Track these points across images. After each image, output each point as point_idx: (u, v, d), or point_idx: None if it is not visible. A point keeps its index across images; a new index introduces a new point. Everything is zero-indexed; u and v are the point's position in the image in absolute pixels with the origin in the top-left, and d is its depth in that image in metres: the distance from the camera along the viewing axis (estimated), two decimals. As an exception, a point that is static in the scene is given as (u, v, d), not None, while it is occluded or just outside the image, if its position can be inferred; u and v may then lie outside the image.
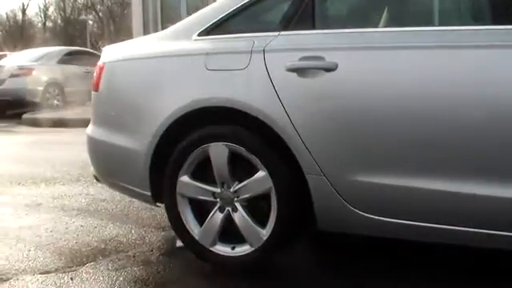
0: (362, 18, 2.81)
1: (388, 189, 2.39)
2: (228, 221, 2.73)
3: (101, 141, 3.11)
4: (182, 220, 2.82)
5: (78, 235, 3.39)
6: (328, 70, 2.45)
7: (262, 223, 2.66)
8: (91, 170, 3.36)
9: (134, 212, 3.86)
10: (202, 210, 2.83)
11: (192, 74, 2.77)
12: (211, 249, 2.77)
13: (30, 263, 2.96)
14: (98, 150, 3.16)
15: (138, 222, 3.65)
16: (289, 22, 2.64)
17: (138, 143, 2.87)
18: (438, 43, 2.32)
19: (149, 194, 2.90)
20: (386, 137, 2.37)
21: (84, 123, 10.03)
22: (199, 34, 2.84)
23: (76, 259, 2.99)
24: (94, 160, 3.23)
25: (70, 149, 7.06)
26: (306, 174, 2.50)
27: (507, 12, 2.28)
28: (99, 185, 4.68)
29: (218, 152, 2.67)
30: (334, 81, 2.44)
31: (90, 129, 3.23)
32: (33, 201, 4.30)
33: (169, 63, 2.87)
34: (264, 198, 2.66)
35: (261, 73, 2.57)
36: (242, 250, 2.71)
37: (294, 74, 2.51)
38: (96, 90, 3.14)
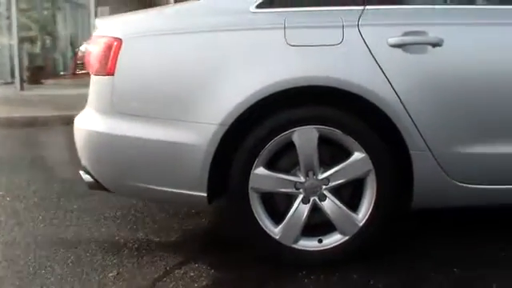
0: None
1: (492, 157, 2.58)
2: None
3: (125, 137, 2.63)
4: (255, 219, 2.61)
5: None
6: (434, 45, 2.51)
7: (352, 209, 2.63)
8: (83, 176, 2.85)
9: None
10: (274, 206, 2.66)
11: (269, 51, 2.53)
12: (294, 246, 2.61)
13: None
14: (118, 148, 2.65)
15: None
16: None
17: (194, 136, 2.53)
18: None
19: (204, 195, 2.58)
20: (492, 109, 2.54)
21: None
22: (259, 6, 2.63)
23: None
24: (108, 162, 2.71)
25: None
26: (411, 151, 2.53)
27: None
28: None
29: (307, 137, 2.52)
30: (441, 56, 2.51)
31: (100, 123, 2.68)
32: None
33: (231, 39, 2.57)
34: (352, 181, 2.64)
35: (360, 49, 2.50)
36: (332, 240, 2.62)
37: (399, 50, 2.50)
38: (109, 73, 2.62)
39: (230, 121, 2.50)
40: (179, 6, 2.83)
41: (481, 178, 2.61)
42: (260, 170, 2.57)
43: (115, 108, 2.65)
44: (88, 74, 2.80)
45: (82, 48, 12.66)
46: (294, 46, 2.51)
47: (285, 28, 2.53)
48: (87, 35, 14.69)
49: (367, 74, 2.50)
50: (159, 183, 2.67)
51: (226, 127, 2.50)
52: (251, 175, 2.56)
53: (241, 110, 2.49)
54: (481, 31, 2.58)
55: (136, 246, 2.98)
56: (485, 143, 2.57)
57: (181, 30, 2.63)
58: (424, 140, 2.53)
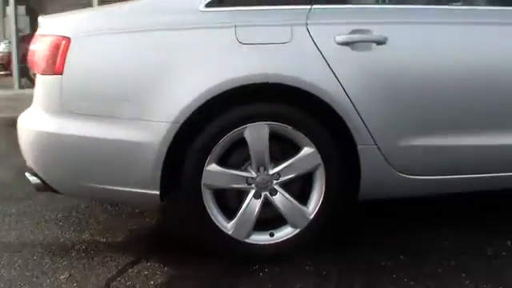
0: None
1: (432, 150, 2.74)
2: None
3: (76, 136, 2.59)
4: (208, 215, 2.65)
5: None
6: (378, 43, 2.65)
7: (302, 202, 2.72)
8: (29, 178, 2.80)
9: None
10: (226, 202, 2.71)
11: (221, 49, 2.59)
12: (246, 241, 2.68)
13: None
14: (69, 149, 2.62)
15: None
16: None
17: (148, 134, 2.54)
18: (471, 20, 2.80)
19: (157, 193, 2.60)
20: (433, 104, 2.70)
21: None
22: (208, 5, 2.66)
23: None
24: (58, 163, 2.67)
25: None
26: (358, 145, 2.65)
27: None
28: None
29: (259, 133, 2.59)
30: (385, 53, 2.65)
31: (49, 123, 2.62)
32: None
33: (182, 37, 2.59)
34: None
35: (309, 47, 2.60)
36: (284, 234, 2.71)
37: (347, 48, 2.62)
38: (57, 72, 2.58)
39: (183, 119, 2.53)
40: (128, 4, 2.83)
41: (422, 170, 2.77)
42: (212, 167, 2.62)
43: (65, 107, 2.62)
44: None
45: (0, 48, 12.26)
46: (245, 44, 2.58)
47: (236, 26, 2.59)
48: (0, 35, 14.21)
49: (316, 71, 2.60)
50: (112, 183, 2.66)
51: (179, 125, 2.54)
52: (204, 172, 2.61)
53: (193, 108, 2.53)
54: (422, 29, 2.74)
55: (83, 247, 2.95)
56: (427, 136, 2.72)
57: (131, 28, 2.63)
58: (371, 135, 2.65)
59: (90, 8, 3.05)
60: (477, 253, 2.77)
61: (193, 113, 2.53)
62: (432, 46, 2.71)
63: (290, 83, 2.57)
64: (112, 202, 3.39)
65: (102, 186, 2.68)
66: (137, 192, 2.64)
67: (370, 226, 3.16)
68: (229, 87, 2.54)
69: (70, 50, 2.58)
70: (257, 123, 2.59)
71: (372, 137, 2.65)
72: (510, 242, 2.87)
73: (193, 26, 2.63)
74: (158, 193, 2.62)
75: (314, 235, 2.73)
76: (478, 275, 2.54)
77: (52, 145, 2.67)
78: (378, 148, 2.68)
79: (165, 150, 2.55)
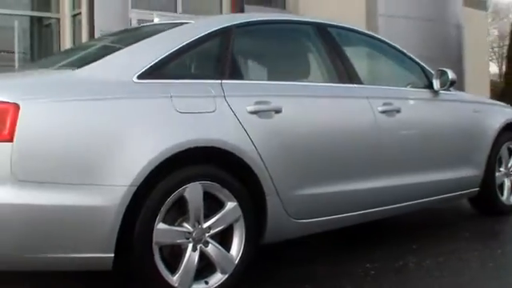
0: (273, 72, 3.87)
1: (319, 197, 3.56)
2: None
3: (26, 205, 2.63)
4: (159, 271, 2.92)
5: None
6: (276, 111, 3.38)
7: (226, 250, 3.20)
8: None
9: None
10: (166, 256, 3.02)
11: (163, 117, 2.99)
12: (189, 291, 3.04)
13: None
14: (19, 219, 2.63)
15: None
16: (222, 73, 3.35)
17: (104, 198, 2.76)
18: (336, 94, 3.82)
19: (112, 255, 2.80)
20: (315, 160, 3.55)
21: None
22: (140, 77, 3.04)
23: None
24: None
25: None
26: (267, 196, 3.28)
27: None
28: None
29: (196, 192, 3.03)
30: (282, 120, 3.40)
31: None
32: None
33: (126, 106, 2.93)
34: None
35: (229, 115, 3.20)
36: (216, 280, 3.12)
37: (255, 115, 3.30)
38: (8, 139, 2.63)
39: (139, 182, 2.84)
40: (68, 74, 3.01)
41: (307, 214, 3.54)
42: (161, 225, 2.94)
43: (16, 176, 2.65)
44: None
45: None
46: (182, 112, 3.04)
47: (171, 97, 3.04)
48: None
49: (237, 135, 3.20)
50: (65, 251, 2.76)
51: (135, 188, 2.83)
52: (155, 231, 2.91)
53: (148, 171, 2.86)
54: (309, 101, 3.61)
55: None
56: (311, 186, 3.52)
57: (75, 97, 2.85)
58: (275, 187, 3.31)
59: (32, 72, 3.04)
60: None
61: (147, 176, 2.85)
62: (317, 114, 3.61)
63: (219, 146, 3.12)
64: (60, 270, 3.19)
65: (53, 255, 2.75)
66: (91, 257, 2.80)
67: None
68: (175, 151, 2.95)
69: (20, 117, 2.67)
70: (195, 183, 3.03)
71: (275, 188, 3.31)
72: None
73: (136, 96, 3.00)
74: (112, 255, 2.81)
75: (239, 277, 3.22)
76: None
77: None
78: (279, 197, 3.34)
79: (122, 212, 2.79)
